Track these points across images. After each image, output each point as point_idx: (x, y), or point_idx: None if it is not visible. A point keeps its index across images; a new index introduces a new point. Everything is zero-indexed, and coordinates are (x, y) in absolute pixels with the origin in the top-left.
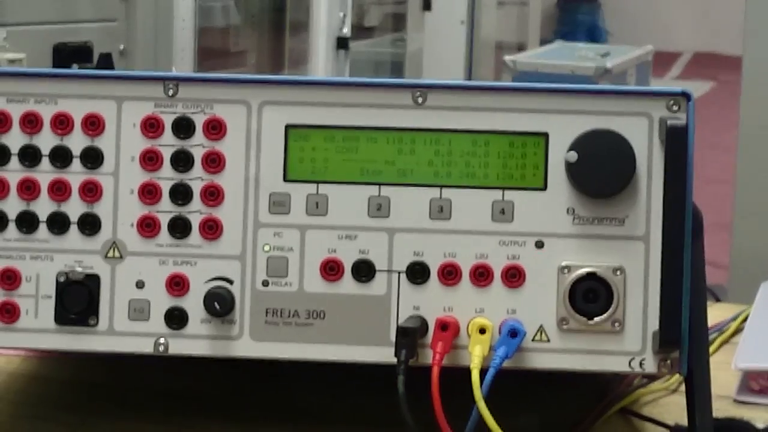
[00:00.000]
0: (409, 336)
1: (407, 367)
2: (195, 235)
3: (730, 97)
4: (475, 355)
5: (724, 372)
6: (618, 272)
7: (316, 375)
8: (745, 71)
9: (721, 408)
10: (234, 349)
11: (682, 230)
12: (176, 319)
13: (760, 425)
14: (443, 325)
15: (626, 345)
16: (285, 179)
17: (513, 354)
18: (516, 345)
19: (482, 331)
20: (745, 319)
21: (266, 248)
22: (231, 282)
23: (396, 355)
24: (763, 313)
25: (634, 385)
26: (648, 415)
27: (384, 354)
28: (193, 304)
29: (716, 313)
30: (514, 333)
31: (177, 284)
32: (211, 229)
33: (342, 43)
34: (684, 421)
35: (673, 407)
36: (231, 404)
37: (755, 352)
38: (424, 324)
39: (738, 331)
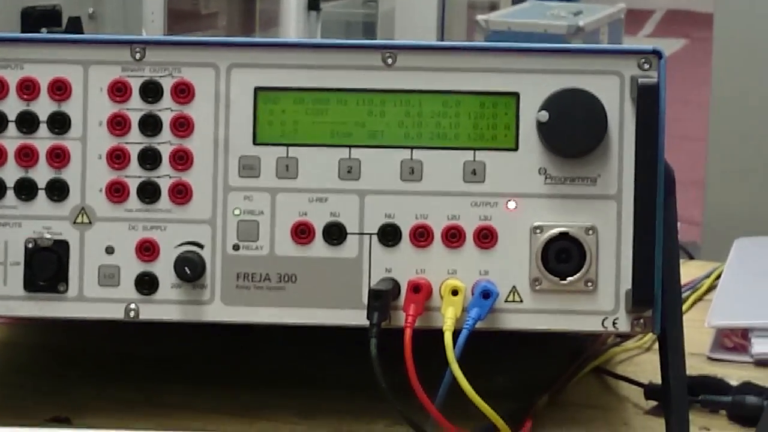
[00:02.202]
0: (381, 298)
1: (379, 330)
2: (164, 200)
3: (703, 54)
4: (447, 317)
5: (698, 330)
6: (590, 232)
7: (290, 339)
8: (716, 28)
9: (695, 366)
10: (205, 314)
11: (654, 188)
12: (147, 284)
13: (733, 382)
14: (415, 287)
15: (599, 304)
16: (255, 142)
17: (486, 315)
18: (489, 306)
19: (455, 292)
20: (719, 277)
21: (236, 212)
22: (201, 246)
23: (368, 317)
24: (736, 270)
25: (607, 345)
26: (622, 374)
27: (356, 317)
28: (163, 269)
29: (689, 271)
30: (487, 294)
31: (147, 249)
32: (181, 193)
33: (313, 4)
34: (658, 379)
35: (647, 366)
36: (203, 370)
37: (728, 310)
38: (396, 286)
39: (711, 288)
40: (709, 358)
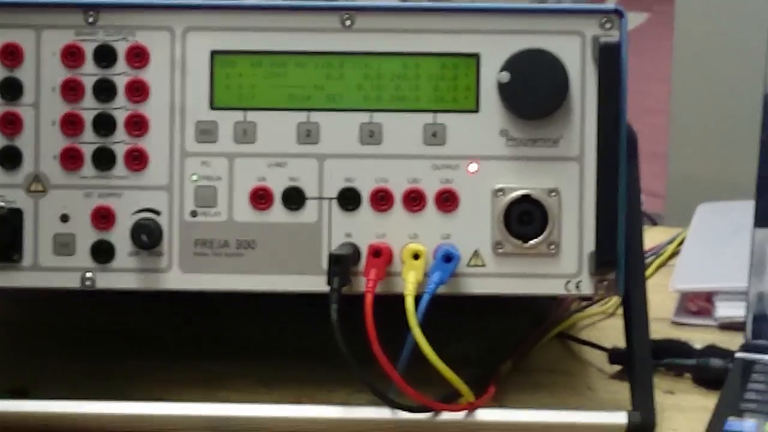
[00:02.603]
0: (341, 263)
1: (340, 296)
2: (120, 167)
3: (664, 27)
4: (408, 281)
5: (662, 294)
6: (553, 194)
7: (251, 307)
8: (678, 1)
9: (660, 330)
10: (163, 282)
11: (616, 149)
12: (103, 252)
13: (697, 346)
14: (376, 252)
15: (562, 267)
16: (211, 107)
17: (448, 279)
18: (450, 270)
19: (416, 256)
20: (682, 242)
21: (194, 178)
22: (158, 213)
23: (328, 283)
24: (699, 235)
25: (571, 310)
26: (586, 339)
27: (317, 283)
28: (119, 236)
29: (653, 237)
30: (449, 258)
31: (103, 217)
32: (137, 159)
33: None
34: (622, 344)
35: (610, 331)
36: (162, 340)
37: (692, 274)
38: (356, 251)
39: (675, 254)
40: (674, 323)
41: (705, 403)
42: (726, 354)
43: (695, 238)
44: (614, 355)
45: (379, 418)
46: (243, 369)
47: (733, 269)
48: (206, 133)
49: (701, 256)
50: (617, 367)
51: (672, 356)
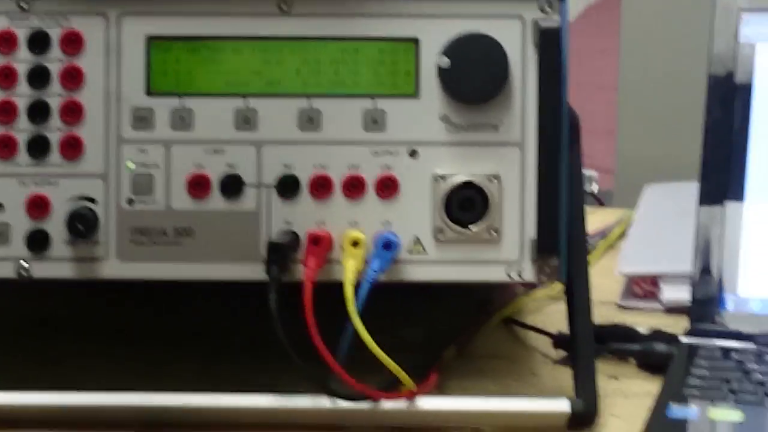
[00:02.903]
0: (280, 251)
1: (279, 285)
2: (55, 154)
3: (616, 1)
4: (348, 269)
5: (609, 278)
6: (494, 180)
7: (192, 296)
8: None
9: (606, 314)
10: (100, 271)
11: (558, 135)
12: (38, 241)
13: (642, 330)
14: (315, 240)
15: (504, 254)
16: (148, 93)
17: (388, 267)
18: (390, 257)
19: (355, 243)
20: (630, 224)
21: (130, 165)
22: (94, 201)
23: (267, 272)
24: (645, 217)
25: (516, 295)
26: (531, 324)
27: (256, 271)
28: (55, 225)
29: (601, 218)
30: (389, 245)
31: (38, 206)
32: (72, 147)
33: None
34: (567, 329)
35: (556, 315)
36: (100, 329)
37: (638, 257)
38: (295, 239)
39: (622, 236)
40: (620, 306)
41: (649, 388)
42: (671, 338)
43: (642, 220)
44: (558, 341)
45: (318, 407)
46: (184, 357)
47: (680, 252)
48: (142, 119)
49: (647, 239)
50: (563, 353)
51: (616, 341)
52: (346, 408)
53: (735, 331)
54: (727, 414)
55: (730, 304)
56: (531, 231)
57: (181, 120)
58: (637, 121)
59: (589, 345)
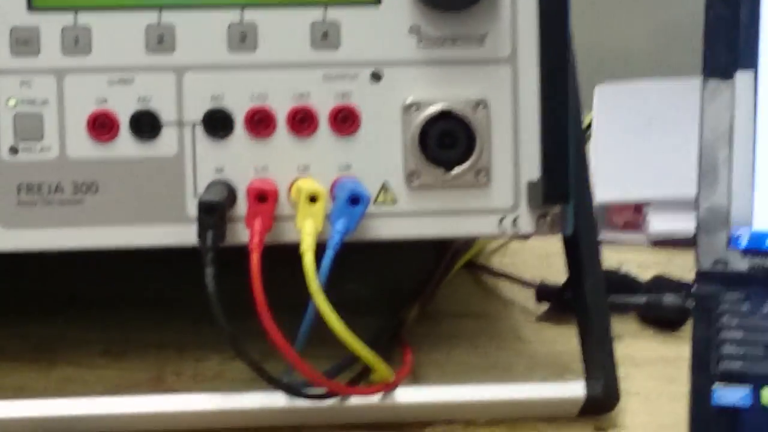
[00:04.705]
0: (216, 212)
1: (216, 255)
2: None
3: None
4: (305, 232)
5: None
6: (479, 107)
7: (105, 262)
8: None
9: None
10: None
11: (564, 42)
12: None
13: (621, 270)
14: (260, 195)
15: (494, 200)
16: (30, 8)
17: (355, 227)
18: (359, 215)
19: (313, 199)
20: (588, 126)
21: (11, 103)
22: None
23: (199, 238)
24: (606, 129)
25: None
26: (501, 270)
27: (180, 234)
28: None
29: None
30: (356, 199)
31: None
32: None
33: None
34: (541, 272)
35: (524, 256)
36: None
37: (616, 181)
38: (231, 192)
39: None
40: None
41: (662, 351)
42: (679, 286)
43: (603, 133)
44: (543, 293)
45: (271, 407)
46: (82, 333)
47: (663, 173)
48: (25, 43)
49: (620, 157)
50: (543, 306)
51: (615, 292)
52: (306, 407)
53: (759, 272)
54: None
55: (743, 239)
56: (528, 171)
57: (76, 42)
58: (590, 10)
59: (602, 310)
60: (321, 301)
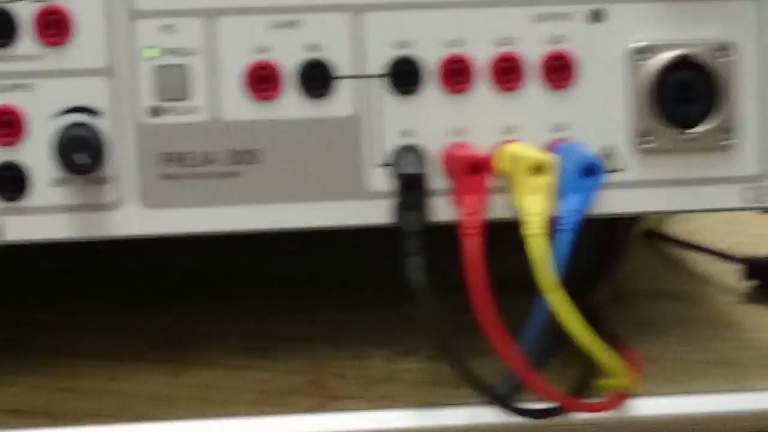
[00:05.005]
0: (416, 188)
1: (421, 244)
2: (27, 39)
3: None
4: (531, 212)
5: None
6: (722, 52)
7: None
8: None
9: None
10: (110, 226)
11: None
12: (9, 183)
13: None
14: (473, 164)
15: (739, 167)
16: None
17: (590, 205)
18: (594, 189)
19: (538, 170)
20: None
21: (148, 52)
22: (95, 114)
23: (401, 221)
24: None
25: None
26: (694, 242)
27: (358, 213)
28: (33, 156)
29: None
30: (591, 169)
31: (5, 125)
32: (53, 25)
33: None
34: (741, 245)
35: (709, 220)
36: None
37: None
38: (422, 160)
39: None
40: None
41: None
42: None
43: None
44: (757, 268)
45: (479, 423)
46: (214, 325)
47: None
48: None
49: None
50: (748, 285)
51: None
52: (526, 424)
53: None
54: None
55: None
56: None
57: None
58: None
59: None
60: (558, 300)
